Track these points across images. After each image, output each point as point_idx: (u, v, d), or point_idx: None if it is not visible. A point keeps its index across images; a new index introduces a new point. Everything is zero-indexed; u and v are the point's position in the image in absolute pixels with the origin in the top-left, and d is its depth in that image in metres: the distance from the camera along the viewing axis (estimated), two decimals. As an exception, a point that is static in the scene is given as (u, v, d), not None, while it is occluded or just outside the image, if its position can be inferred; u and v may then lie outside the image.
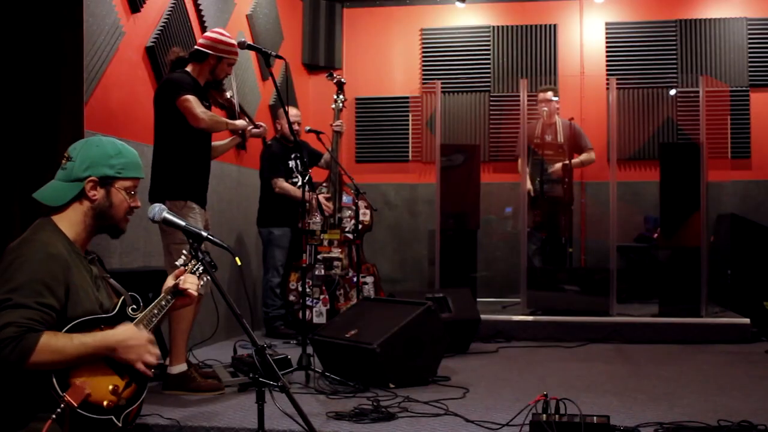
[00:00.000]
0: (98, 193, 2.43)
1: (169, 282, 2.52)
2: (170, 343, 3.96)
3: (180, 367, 3.94)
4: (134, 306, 2.44)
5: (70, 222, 2.41)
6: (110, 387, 2.27)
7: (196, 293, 2.53)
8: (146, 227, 4.61)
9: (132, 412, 2.33)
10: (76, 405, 2.16)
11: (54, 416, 2.12)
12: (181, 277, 2.51)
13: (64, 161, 2.45)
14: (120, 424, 2.27)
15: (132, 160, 2.51)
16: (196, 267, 2.56)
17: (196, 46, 4.12)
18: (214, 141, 4.25)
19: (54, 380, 2.17)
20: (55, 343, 2.17)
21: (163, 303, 2.47)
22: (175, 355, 3.94)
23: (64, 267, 2.29)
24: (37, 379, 2.17)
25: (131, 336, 2.31)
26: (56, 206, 2.42)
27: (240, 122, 4.21)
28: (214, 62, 4.09)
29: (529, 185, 6.41)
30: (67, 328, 2.23)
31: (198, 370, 4.07)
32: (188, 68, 4.10)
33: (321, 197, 5.84)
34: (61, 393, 2.16)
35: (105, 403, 2.24)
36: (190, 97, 3.89)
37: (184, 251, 2.60)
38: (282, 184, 5.96)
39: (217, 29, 4.19)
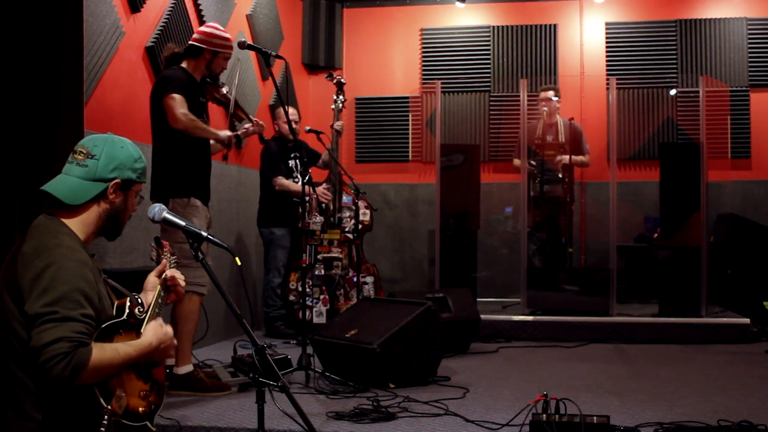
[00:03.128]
0: (117, 196, 2.37)
1: (151, 279, 2.49)
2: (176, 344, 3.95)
3: (186, 368, 3.94)
4: (140, 307, 2.38)
5: (83, 222, 2.32)
6: (141, 393, 2.24)
7: (183, 289, 2.52)
8: (146, 227, 4.61)
9: None
10: (120, 414, 2.13)
11: (102, 429, 2.07)
12: (167, 273, 2.49)
13: (81, 157, 2.33)
14: (154, 429, 2.25)
15: (146, 165, 2.49)
16: (172, 259, 2.55)
17: (190, 41, 4.12)
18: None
19: (97, 392, 2.10)
20: (104, 356, 2.09)
21: (160, 301, 2.44)
22: (181, 356, 3.94)
23: (94, 274, 2.23)
24: (79, 392, 2.10)
25: (162, 339, 2.30)
26: (70, 204, 2.30)
27: (223, 133, 4.13)
28: (210, 57, 4.09)
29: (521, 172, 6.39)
30: (95, 337, 2.16)
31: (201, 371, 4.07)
32: (183, 64, 4.10)
33: (319, 188, 5.82)
34: (105, 405, 2.10)
35: (141, 409, 2.22)
36: (176, 96, 3.88)
37: (152, 243, 2.58)
38: (282, 181, 5.96)
39: (211, 23, 4.18)
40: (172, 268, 2.55)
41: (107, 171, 2.34)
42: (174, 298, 2.54)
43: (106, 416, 2.09)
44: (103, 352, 2.10)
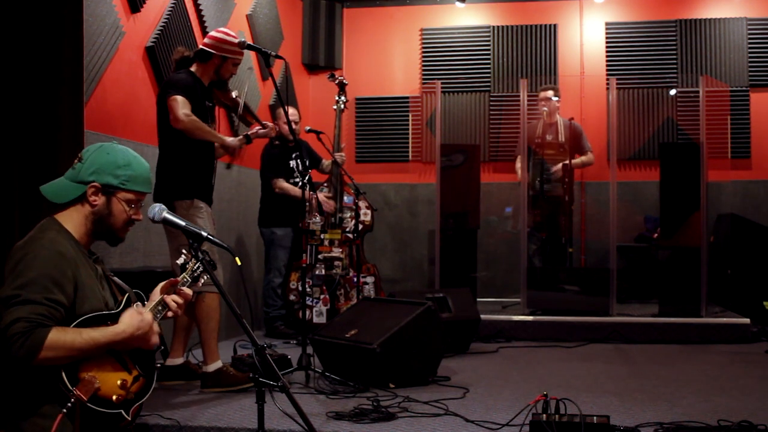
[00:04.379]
0: (99, 200, 2.44)
1: (157, 293, 2.52)
2: (201, 343, 4.01)
3: (215, 365, 3.97)
4: (138, 303, 2.44)
5: (73, 222, 2.43)
6: (119, 381, 2.28)
7: (177, 311, 2.49)
8: (146, 227, 4.61)
9: (138, 406, 2.35)
10: (86, 399, 2.17)
11: (64, 411, 2.13)
12: (168, 297, 2.48)
13: (76, 161, 2.47)
14: (129, 418, 2.29)
15: (140, 174, 2.50)
16: (196, 267, 2.55)
17: (200, 46, 4.12)
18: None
19: (63, 375, 2.18)
20: (64, 338, 2.18)
21: (160, 308, 2.46)
22: (208, 354, 3.98)
23: (72, 264, 2.31)
24: (46, 374, 2.18)
25: (137, 327, 2.32)
26: (58, 203, 2.43)
27: (231, 140, 4.15)
28: (219, 62, 4.09)
29: (521, 175, 6.39)
30: (75, 324, 2.24)
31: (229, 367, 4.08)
32: (192, 68, 4.10)
33: (321, 195, 5.85)
34: (70, 387, 2.17)
35: (114, 397, 2.26)
36: (178, 98, 3.89)
37: (183, 251, 2.58)
38: (282, 184, 5.96)
39: (222, 29, 4.16)
40: (194, 272, 2.53)
41: (87, 174, 2.43)
42: (168, 316, 2.51)
43: (72, 399, 2.15)
44: (63, 334, 2.18)
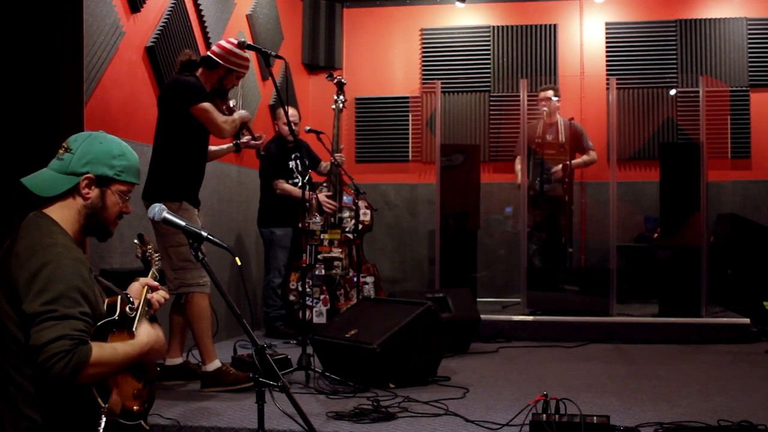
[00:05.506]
0: (92, 193, 2.30)
1: (135, 286, 2.45)
2: (196, 344, 4.01)
3: (213, 365, 3.97)
4: (130, 305, 2.36)
5: (65, 219, 2.28)
6: (134, 392, 2.23)
7: (158, 306, 2.48)
8: (146, 227, 4.58)
9: None
10: (117, 414, 2.12)
11: (100, 429, 2.06)
12: (150, 296, 2.46)
13: (61, 151, 2.30)
14: (147, 427, 2.25)
15: (133, 164, 2.39)
16: (156, 257, 2.56)
17: (209, 53, 4.12)
18: (211, 145, 4.28)
19: (95, 392, 2.10)
20: (104, 354, 2.09)
21: (147, 308, 2.43)
22: (205, 354, 3.98)
23: (88, 271, 2.22)
24: (78, 391, 2.09)
25: (156, 339, 2.31)
26: (44, 198, 2.27)
27: (243, 113, 4.22)
28: (224, 73, 4.09)
29: (521, 177, 6.38)
30: (91, 335, 2.15)
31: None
32: (197, 73, 4.10)
33: (321, 195, 5.84)
34: (102, 404, 2.10)
35: (135, 408, 2.21)
36: (208, 106, 3.92)
37: (135, 241, 2.56)
38: (283, 185, 5.97)
39: (232, 39, 4.16)
40: (156, 267, 2.55)
41: (80, 165, 2.28)
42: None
43: (103, 416, 2.09)
44: (102, 350, 2.09)
